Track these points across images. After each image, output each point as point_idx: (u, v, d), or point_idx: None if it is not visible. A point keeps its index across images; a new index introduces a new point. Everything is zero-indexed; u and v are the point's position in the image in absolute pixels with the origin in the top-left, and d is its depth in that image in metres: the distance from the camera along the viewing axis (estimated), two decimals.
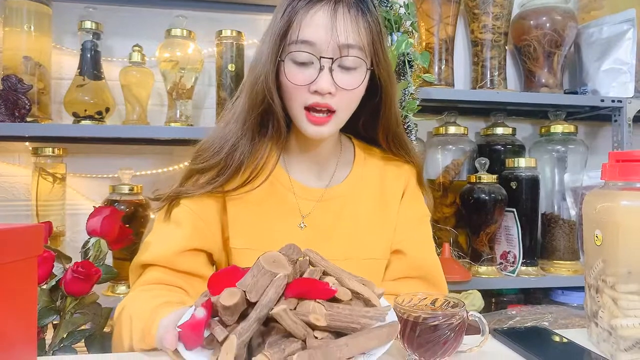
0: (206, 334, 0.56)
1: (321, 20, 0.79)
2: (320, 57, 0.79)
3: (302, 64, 0.80)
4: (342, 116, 0.85)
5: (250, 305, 0.55)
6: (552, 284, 1.62)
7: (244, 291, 0.55)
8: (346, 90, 0.81)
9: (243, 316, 0.55)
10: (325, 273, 0.61)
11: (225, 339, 0.53)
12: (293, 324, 0.52)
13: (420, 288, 0.90)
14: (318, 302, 0.55)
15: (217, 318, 0.56)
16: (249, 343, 0.54)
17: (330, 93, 0.80)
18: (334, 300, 0.57)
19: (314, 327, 0.54)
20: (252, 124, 0.85)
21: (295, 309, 0.55)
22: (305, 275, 0.59)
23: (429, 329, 0.61)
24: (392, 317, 0.60)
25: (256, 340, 0.55)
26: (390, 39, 1.39)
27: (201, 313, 0.54)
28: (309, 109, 0.81)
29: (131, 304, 0.76)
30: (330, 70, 0.79)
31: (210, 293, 0.57)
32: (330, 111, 0.82)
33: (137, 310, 0.72)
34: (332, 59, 0.79)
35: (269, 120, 0.85)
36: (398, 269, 0.93)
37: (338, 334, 0.55)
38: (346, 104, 0.83)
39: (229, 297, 0.54)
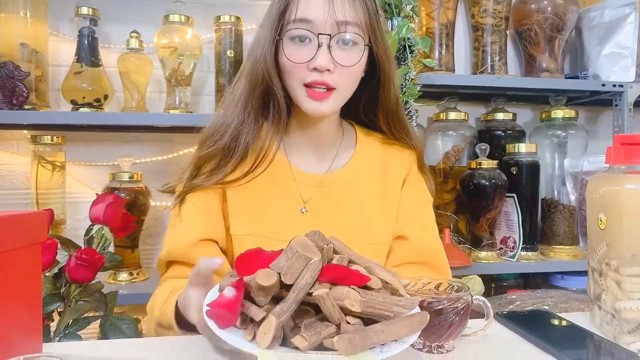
0: None
1: (318, 0, 0.79)
2: (319, 33, 0.79)
3: (301, 42, 0.81)
4: (342, 94, 0.85)
5: (283, 287, 0.55)
6: (551, 269, 1.63)
7: (279, 273, 0.54)
8: (345, 67, 0.81)
9: (274, 299, 0.55)
10: (351, 261, 0.61)
11: (263, 319, 0.52)
12: (332, 308, 0.52)
13: (423, 273, 0.90)
14: (352, 288, 0.55)
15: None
16: None
17: (329, 70, 0.80)
18: (365, 288, 0.57)
19: (346, 313, 0.54)
20: (253, 107, 0.85)
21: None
22: (334, 262, 0.59)
23: (434, 313, 0.61)
24: (417, 308, 0.60)
25: (288, 323, 0.54)
26: (390, 24, 1.38)
27: (231, 292, 0.53)
28: (308, 86, 0.82)
29: (156, 297, 0.82)
30: (329, 47, 0.80)
31: (238, 274, 0.57)
32: (329, 88, 0.82)
33: (158, 299, 0.79)
34: (330, 35, 0.80)
35: (270, 102, 0.85)
36: (401, 255, 0.93)
37: (366, 321, 0.55)
38: (345, 82, 0.83)
39: (265, 278, 0.53)
